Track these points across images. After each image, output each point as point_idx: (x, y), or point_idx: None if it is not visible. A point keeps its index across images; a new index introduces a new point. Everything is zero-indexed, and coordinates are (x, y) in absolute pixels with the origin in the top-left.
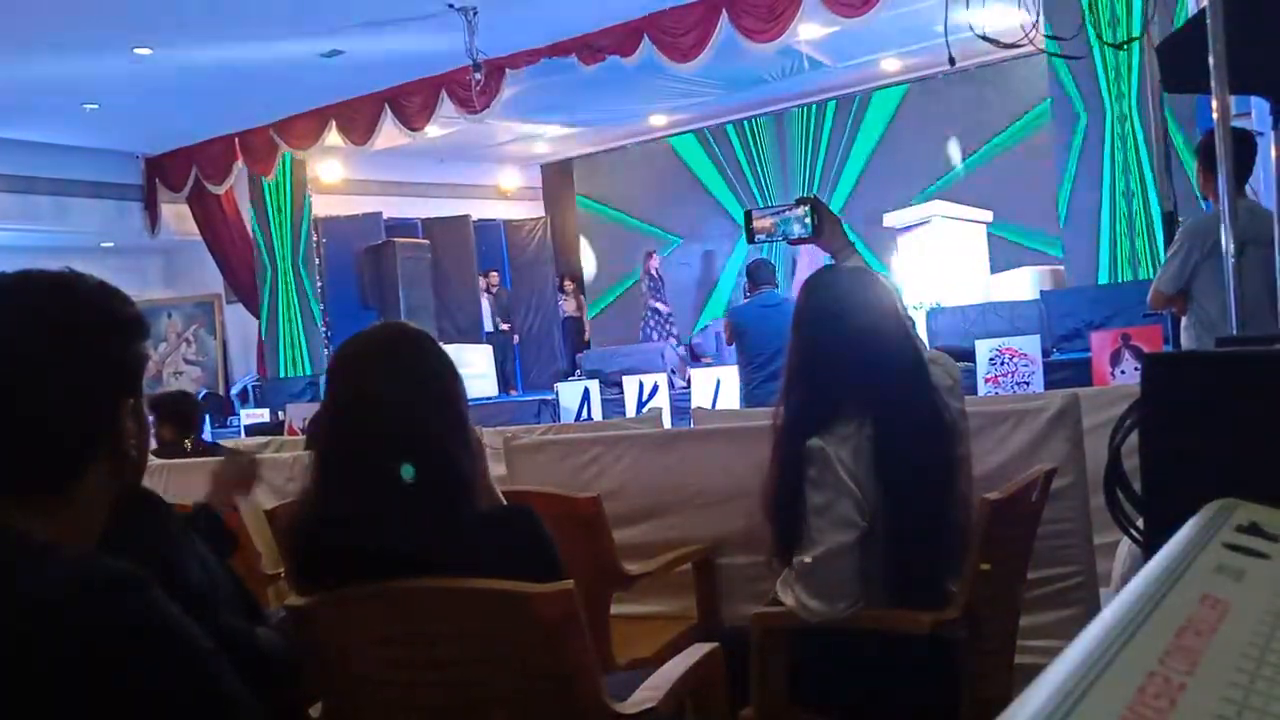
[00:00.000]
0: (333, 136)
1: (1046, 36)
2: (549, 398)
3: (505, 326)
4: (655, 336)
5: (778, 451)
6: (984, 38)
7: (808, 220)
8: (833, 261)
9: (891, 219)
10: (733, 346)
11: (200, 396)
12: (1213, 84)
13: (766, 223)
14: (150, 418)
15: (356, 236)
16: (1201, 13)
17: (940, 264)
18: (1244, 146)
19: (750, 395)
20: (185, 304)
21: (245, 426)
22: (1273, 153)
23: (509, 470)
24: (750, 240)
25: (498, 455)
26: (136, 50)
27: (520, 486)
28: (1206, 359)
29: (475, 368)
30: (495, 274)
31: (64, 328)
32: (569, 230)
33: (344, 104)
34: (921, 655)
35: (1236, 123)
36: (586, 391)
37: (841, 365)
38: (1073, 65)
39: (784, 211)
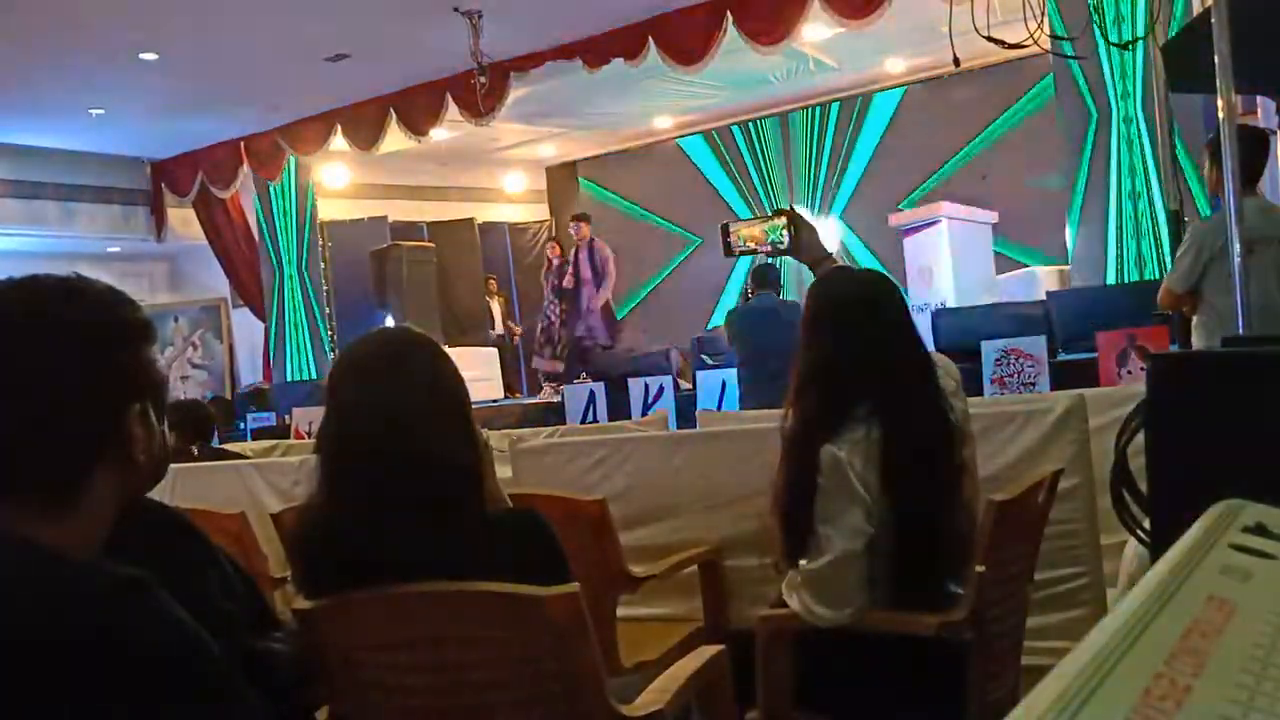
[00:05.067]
0: (338, 141)
1: (1052, 37)
2: (555, 400)
3: (515, 329)
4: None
5: (789, 457)
6: (989, 38)
7: (784, 233)
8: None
9: (897, 219)
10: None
11: (206, 400)
12: (1218, 83)
13: (755, 230)
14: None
15: (362, 240)
16: (1206, 12)
17: (946, 265)
18: (1259, 145)
19: (744, 396)
20: (191, 308)
21: (251, 430)
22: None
23: (515, 473)
24: (728, 253)
25: (503, 458)
26: (142, 55)
27: (526, 489)
28: (1213, 359)
29: (480, 370)
30: (493, 280)
31: (70, 333)
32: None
33: (349, 108)
34: (928, 657)
35: (1240, 122)
36: (592, 393)
37: (852, 368)
38: (1078, 65)
39: (762, 223)
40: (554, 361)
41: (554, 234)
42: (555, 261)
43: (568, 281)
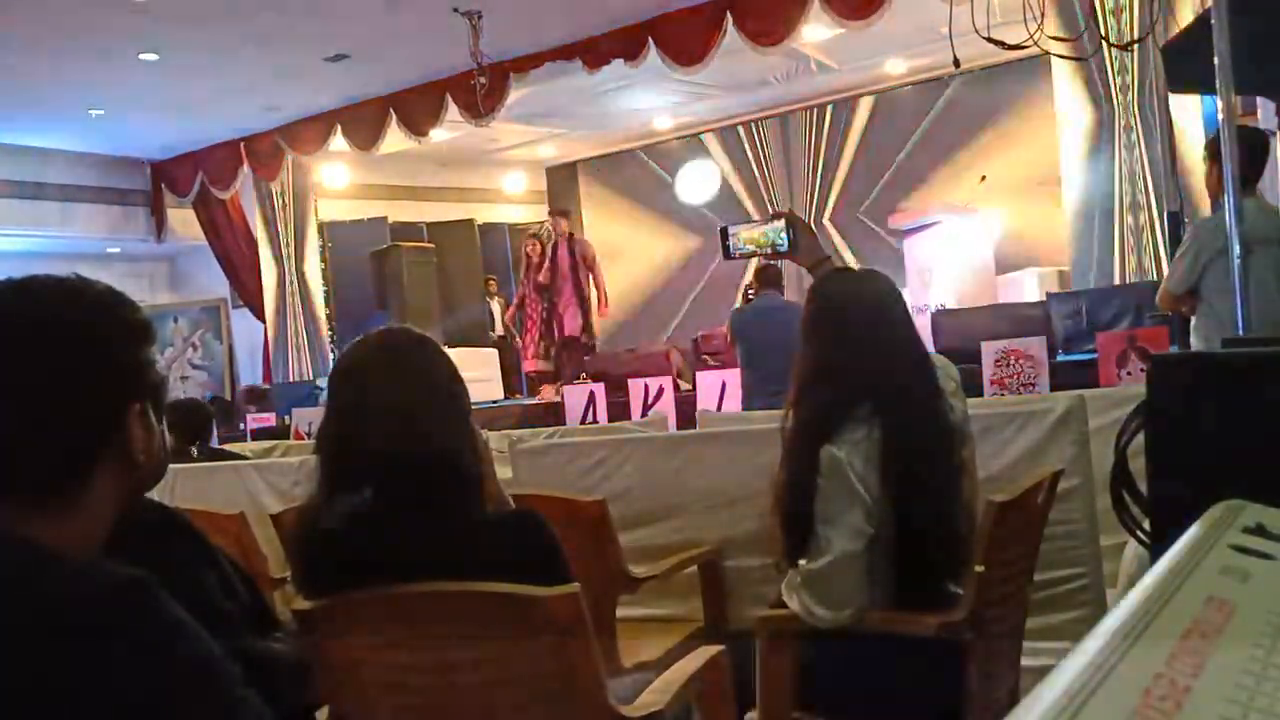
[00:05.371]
0: (338, 141)
1: (1052, 38)
2: (555, 401)
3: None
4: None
5: (789, 457)
6: (990, 39)
7: (784, 235)
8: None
9: (898, 220)
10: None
11: (206, 400)
12: (1218, 84)
13: (754, 232)
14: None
15: (362, 240)
16: (1207, 13)
17: (946, 265)
18: (1258, 146)
19: (748, 397)
20: (191, 308)
21: (251, 430)
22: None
23: (514, 473)
24: (727, 256)
25: (503, 458)
26: (142, 56)
27: (526, 489)
28: (1212, 360)
29: (480, 371)
30: (493, 280)
31: (70, 333)
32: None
33: (349, 109)
34: (928, 657)
35: (1240, 123)
36: (592, 394)
37: (852, 369)
38: (1078, 65)
39: (762, 225)
40: (540, 361)
41: (537, 232)
42: (534, 259)
43: (544, 277)
